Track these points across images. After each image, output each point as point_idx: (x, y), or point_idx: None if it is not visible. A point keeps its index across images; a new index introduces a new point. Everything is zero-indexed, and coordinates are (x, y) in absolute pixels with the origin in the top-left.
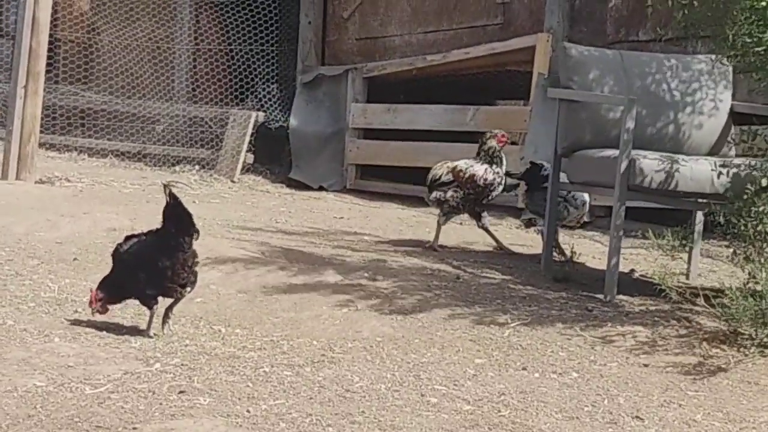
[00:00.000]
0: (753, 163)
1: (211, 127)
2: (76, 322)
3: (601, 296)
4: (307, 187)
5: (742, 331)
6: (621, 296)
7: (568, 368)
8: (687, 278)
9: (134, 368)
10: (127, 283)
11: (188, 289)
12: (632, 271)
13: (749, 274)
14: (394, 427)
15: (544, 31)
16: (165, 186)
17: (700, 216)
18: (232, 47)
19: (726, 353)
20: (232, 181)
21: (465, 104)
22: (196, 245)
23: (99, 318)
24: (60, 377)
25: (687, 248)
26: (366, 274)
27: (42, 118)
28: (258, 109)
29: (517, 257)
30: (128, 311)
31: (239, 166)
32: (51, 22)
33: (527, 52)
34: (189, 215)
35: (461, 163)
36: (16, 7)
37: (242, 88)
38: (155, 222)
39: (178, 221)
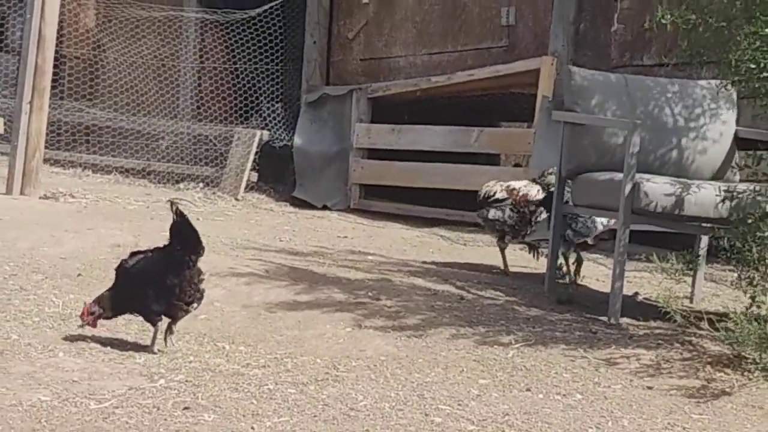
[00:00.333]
0: (757, 188)
1: (215, 145)
2: (81, 338)
3: (605, 318)
4: (311, 206)
5: (746, 355)
6: (625, 319)
7: (572, 390)
8: (691, 302)
9: (139, 384)
10: (132, 299)
11: (194, 305)
12: (636, 294)
13: (752, 298)
14: None
15: (549, 54)
16: (171, 203)
17: (704, 240)
18: (237, 66)
19: (730, 377)
20: (236, 199)
21: (469, 126)
22: (201, 262)
23: (103, 333)
24: (64, 392)
25: (691, 272)
26: (370, 294)
27: (47, 134)
28: (262, 128)
29: (520, 278)
30: (132, 327)
31: (243, 185)
32: (57, 38)
33: (532, 74)
34: (196, 233)
35: (515, 183)
36: (22, 24)
37: (247, 106)
38: (159, 239)
39: (185, 239)
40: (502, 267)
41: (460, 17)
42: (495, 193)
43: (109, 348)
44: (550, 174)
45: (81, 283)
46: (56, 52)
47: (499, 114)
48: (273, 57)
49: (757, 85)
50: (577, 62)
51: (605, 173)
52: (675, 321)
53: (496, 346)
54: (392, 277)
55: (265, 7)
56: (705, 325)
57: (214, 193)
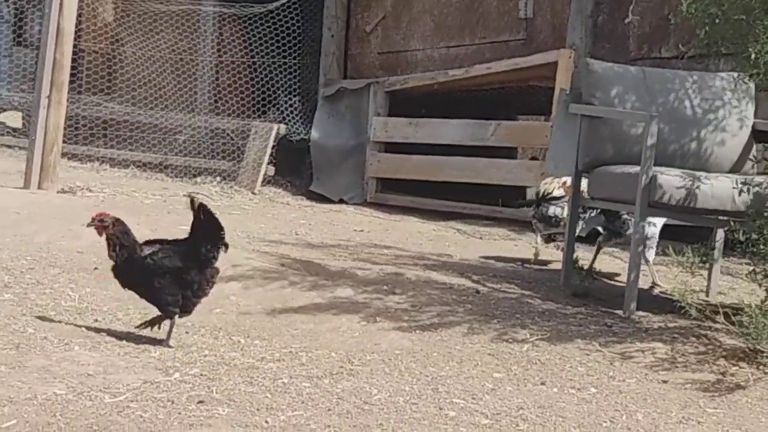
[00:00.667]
0: None
1: (232, 138)
2: (97, 331)
3: (620, 312)
4: (328, 200)
5: (762, 349)
6: (640, 312)
7: (587, 384)
8: (707, 295)
9: (154, 378)
10: (144, 289)
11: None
12: (652, 287)
13: None
14: None
15: (567, 47)
16: (192, 199)
17: (720, 233)
18: (255, 60)
19: (745, 371)
20: (253, 193)
21: (486, 119)
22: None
23: (119, 327)
24: (80, 386)
25: (707, 265)
26: (385, 287)
27: (65, 128)
28: (280, 122)
29: (536, 271)
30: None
31: (260, 178)
32: (75, 32)
33: (549, 67)
34: (221, 228)
35: (569, 179)
36: (40, 18)
37: (264, 100)
38: (177, 233)
39: (210, 234)
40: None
41: (478, 10)
42: (553, 190)
43: (124, 342)
44: None
45: (97, 277)
46: (74, 46)
47: (516, 107)
48: (290, 51)
49: None
50: (595, 55)
51: (622, 166)
52: (690, 315)
53: (511, 340)
54: (408, 270)
55: (283, 0)
56: (720, 318)
57: (231, 187)
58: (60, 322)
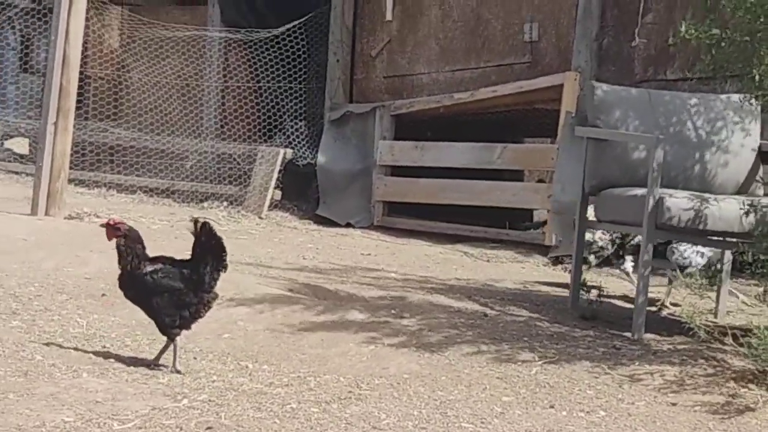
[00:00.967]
0: None
1: (239, 163)
2: (105, 358)
3: (628, 334)
4: (335, 224)
5: None
6: (648, 335)
7: (596, 407)
8: (715, 317)
9: (162, 404)
10: (143, 304)
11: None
12: (660, 309)
13: None
14: None
15: (572, 70)
16: (196, 221)
17: (728, 255)
18: (261, 85)
19: (754, 393)
20: (260, 218)
21: (492, 142)
22: (224, 281)
23: (127, 353)
24: (88, 413)
25: (715, 287)
26: (393, 311)
27: (71, 155)
28: (286, 146)
29: (545, 294)
30: (156, 347)
31: (267, 203)
32: (81, 59)
33: (555, 90)
34: (224, 249)
35: None
36: (46, 45)
37: (270, 125)
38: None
39: (212, 255)
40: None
41: (483, 34)
42: None
43: (132, 368)
44: None
45: (105, 303)
46: (80, 72)
47: (522, 130)
48: (296, 75)
49: None
50: (600, 77)
51: (629, 188)
52: (699, 336)
53: (519, 363)
54: (415, 294)
55: (289, 26)
56: (729, 340)
57: (238, 211)
58: (68, 348)
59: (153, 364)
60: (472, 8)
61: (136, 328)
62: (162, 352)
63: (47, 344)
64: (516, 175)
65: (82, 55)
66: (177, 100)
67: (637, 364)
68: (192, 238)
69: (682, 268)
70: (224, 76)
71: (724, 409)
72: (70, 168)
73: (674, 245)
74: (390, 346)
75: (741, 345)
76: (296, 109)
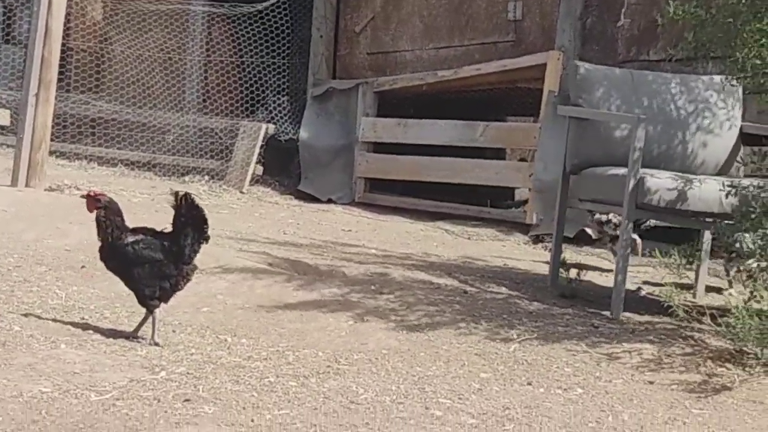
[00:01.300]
0: (761, 183)
1: (221, 138)
2: (83, 329)
3: (607, 313)
4: (316, 200)
5: (748, 350)
6: (627, 314)
7: (573, 384)
8: (694, 297)
9: (140, 376)
10: (123, 275)
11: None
12: (639, 288)
13: (751, 292)
14: None
15: (556, 49)
16: (176, 193)
17: (707, 235)
18: (244, 59)
19: (731, 372)
20: (241, 192)
21: (475, 120)
22: (204, 254)
23: (106, 325)
24: (65, 384)
25: (694, 267)
26: (373, 287)
27: (53, 127)
28: (268, 121)
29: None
30: (135, 319)
31: (248, 178)
32: (63, 31)
33: (538, 69)
34: (206, 221)
35: None
36: (29, 16)
37: (253, 100)
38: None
39: (194, 226)
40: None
41: (467, 12)
42: None
43: (111, 340)
44: None
45: (84, 275)
46: (63, 44)
47: (505, 108)
48: (279, 50)
49: (762, 81)
50: (584, 57)
51: (610, 168)
52: (677, 316)
53: (497, 340)
54: (395, 270)
55: (272, 0)
56: (707, 320)
57: (219, 186)
58: (46, 319)
59: (132, 336)
60: None
61: (115, 301)
62: (141, 324)
63: (26, 315)
64: (498, 154)
65: (65, 27)
66: (159, 74)
67: (615, 342)
68: (173, 212)
69: None
70: (207, 50)
71: (701, 387)
72: (51, 140)
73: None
74: (369, 321)
75: (719, 325)
76: (279, 84)
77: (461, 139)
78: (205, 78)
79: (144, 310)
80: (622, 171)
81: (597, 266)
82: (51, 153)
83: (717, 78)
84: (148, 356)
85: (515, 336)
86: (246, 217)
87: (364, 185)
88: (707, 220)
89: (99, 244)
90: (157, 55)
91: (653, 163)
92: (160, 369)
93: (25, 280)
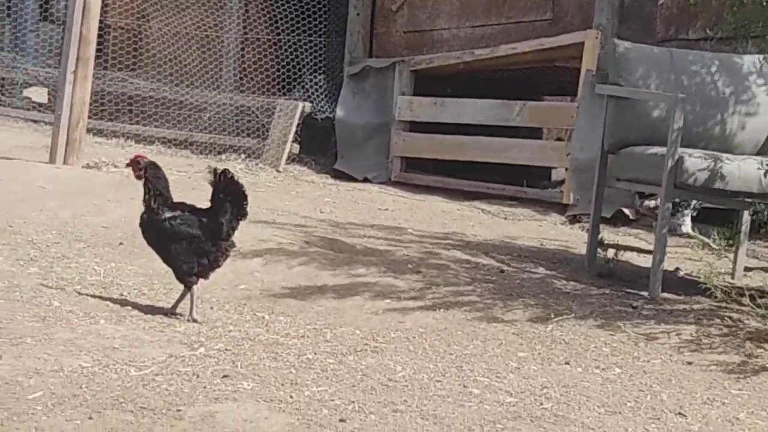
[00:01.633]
0: None
1: (257, 116)
2: (122, 305)
3: (645, 294)
4: (352, 179)
5: None
6: (665, 294)
7: (611, 364)
8: (732, 278)
9: (178, 352)
10: (161, 250)
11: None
12: (677, 269)
13: None
14: (437, 416)
15: (593, 28)
16: (215, 169)
17: (746, 216)
18: (281, 38)
19: None
20: (278, 171)
21: (511, 99)
22: (241, 232)
23: (144, 302)
24: (105, 359)
25: (733, 248)
26: (409, 266)
27: (90, 104)
28: (305, 100)
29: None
30: (173, 296)
31: (285, 156)
32: (101, 8)
33: (576, 48)
34: (245, 197)
35: None
36: None
37: (289, 78)
38: None
39: (232, 202)
40: None
41: None
42: None
43: (149, 316)
44: None
45: (122, 251)
46: (100, 21)
47: (541, 87)
48: (316, 29)
49: None
50: (622, 36)
51: (648, 147)
52: (716, 297)
53: (535, 320)
54: (432, 249)
55: None
56: (746, 300)
57: (255, 164)
58: (85, 295)
59: (170, 313)
60: None
61: (153, 277)
62: (179, 300)
63: (65, 291)
64: (534, 133)
65: (102, 4)
66: (196, 51)
67: (653, 322)
68: (210, 189)
69: None
70: (244, 28)
71: (740, 368)
72: (89, 118)
73: None
74: (406, 300)
75: (758, 306)
76: (316, 62)
77: (498, 118)
78: (242, 56)
79: (182, 286)
80: (660, 150)
81: (634, 246)
82: (88, 131)
83: (757, 57)
84: (187, 332)
85: (553, 315)
86: (282, 196)
87: (401, 164)
88: (746, 200)
89: (142, 209)
90: (194, 33)
91: (692, 142)
92: (198, 345)
93: (64, 256)
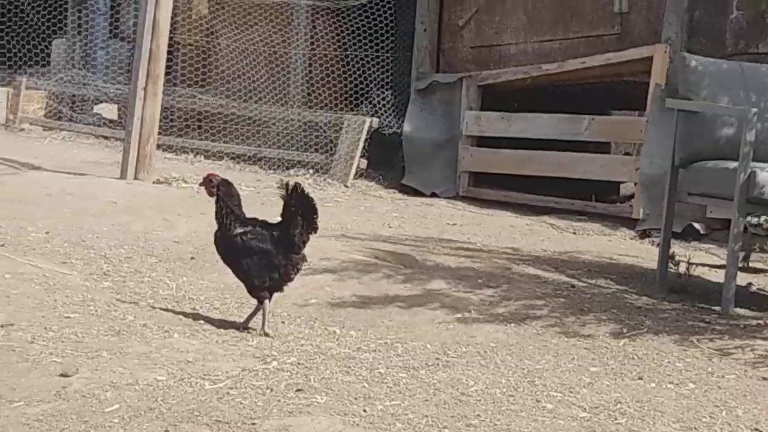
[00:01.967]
0: None
1: (325, 131)
2: (195, 319)
3: (718, 309)
4: (420, 194)
5: None
6: (738, 309)
7: (685, 379)
8: None
9: (252, 366)
10: (234, 266)
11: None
12: (749, 284)
13: None
14: (510, 431)
15: (662, 42)
16: (287, 183)
17: None
18: (348, 53)
19: None
20: (346, 186)
21: (578, 113)
22: (311, 246)
23: (216, 316)
24: (180, 372)
25: None
26: (479, 281)
27: (160, 120)
28: (372, 115)
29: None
30: (244, 310)
31: (353, 171)
32: (170, 25)
33: (644, 62)
34: (316, 211)
35: None
36: (136, 11)
37: (357, 93)
38: None
39: (303, 216)
40: None
41: (572, 4)
42: None
43: (222, 330)
44: None
45: (194, 266)
46: (170, 38)
47: (609, 102)
48: (383, 44)
49: None
50: (691, 50)
51: (719, 162)
52: None
53: (607, 335)
54: (502, 264)
55: None
56: None
57: (323, 179)
58: (158, 309)
59: (242, 327)
60: None
61: (224, 292)
62: (251, 316)
63: (138, 305)
64: (601, 148)
65: (171, 21)
66: (264, 68)
67: (726, 338)
68: (280, 205)
69: None
70: (312, 44)
71: None
72: (158, 134)
73: None
74: (476, 314)
75: None
76: (383, 78)
77: (565, 133)
78: (310, 72)
79: (254, 301)
80: (732, 165)
81: (705, 262)
82: (158, 146)
83: None
84: (259, 346)
85: (624, 330)
86: (351, 211)
87: (468, 179)
88: None
89: (216, 226)
90: (262, 49)
91: (764, 156)
92: (271, 359)
93: (137, 270)
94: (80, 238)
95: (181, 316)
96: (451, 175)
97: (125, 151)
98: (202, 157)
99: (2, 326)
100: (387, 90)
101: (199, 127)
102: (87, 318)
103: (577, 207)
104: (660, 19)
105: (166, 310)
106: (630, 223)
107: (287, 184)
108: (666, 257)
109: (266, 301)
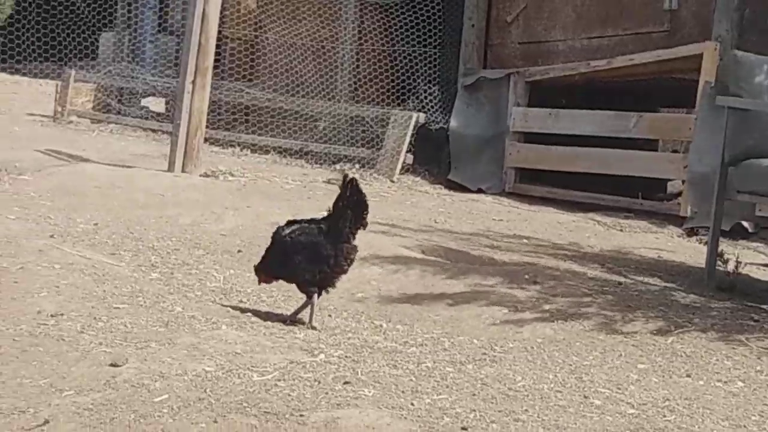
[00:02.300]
0: None
1: (371, 126)
2: (242, 312)
3: (766, 307)
4: (465, 189)
5: None
6: None
7: (734, 377)
8: None
9: (299, 358)
10: (282, 267)
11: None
12: None
13: None
14: (558, 426)
15: (712, 39)
16: (345, 174)
17: None
18: (395, 49)
19: None
20: (392, 181)
21: (626, 110)
22: (358, 240)
23: (263, 308)
24: (228, 363)
25: None
26: (526, 276)
27: (207, 114)
28: (419, 111)
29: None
30: (290, 303)
31: (399, 166)
32: (219, 19)
33: (694, 60)
34: (366, 207)
35: None
36: (184, 5)
37: (404, 89)
38: None
39: (353, 210)
40: None
41: (621, 1)
42: None
43: (269, 323)
44: None
45: (241, 259)
46: (218, 32)
47: (657, 99)
48: (431, 40)
49: None
50: (741, 48)
51: None
52: None
53: (654, 332)
54: (548, 260)
55: None
56: None
57: (370, 174)
58: (206, 301)
59: (289, 320)
60: None
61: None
62: (299, 309)
63: (186, 297)
64: (648, 145)
65: (220, 15)
66: (312, 62)
67: None
68: (326, 199)
69: None
70: (359, 39)
71: None
72: (206, 127)
73: None
74: (523, 310)
75: None
76: (430, 73)
77: (613, 130)
78: (357, 67)
79: (301, 295)
80: None
81: (753, 261)
82: (205, 140)
83: None
84: (307, 339)
85: (673, 328)
86: (397, 206)
87: (515, 175)
88: None
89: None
90: (310, 44)
91: None
92: (318, 352)
93: (184, 262)
94: (128, 230)
95: (228, 308)
96: (497, 171)
97: (173, 144)
98: (249, 150)
99: (52, 316)
100: (434, 85)
101: (246, 120)
102: (135, 309)
103: (624, 204)
104: (710, 16)
105: (214, 302)
106: (677, 220)
107: (345, 176)
108: (714, 255)
109: (315, 296)
